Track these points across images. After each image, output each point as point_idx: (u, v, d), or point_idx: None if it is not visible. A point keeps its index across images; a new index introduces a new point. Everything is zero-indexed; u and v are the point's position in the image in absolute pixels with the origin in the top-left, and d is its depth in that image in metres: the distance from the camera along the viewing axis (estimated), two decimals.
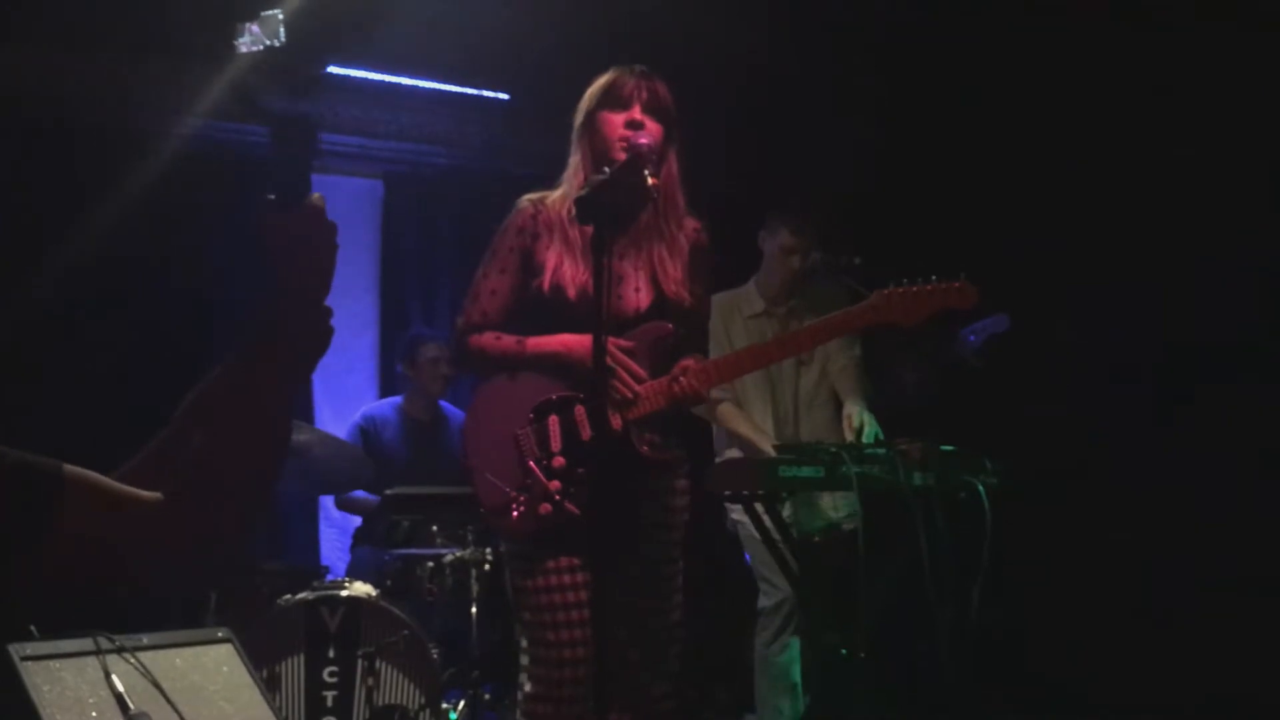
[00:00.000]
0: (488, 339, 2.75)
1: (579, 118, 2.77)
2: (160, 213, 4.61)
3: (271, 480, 1.36)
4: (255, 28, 1.40)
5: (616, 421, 2.62)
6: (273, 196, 1.36)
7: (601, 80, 2.76)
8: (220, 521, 1.33)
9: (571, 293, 2.67)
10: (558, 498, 2.59)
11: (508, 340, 2.73)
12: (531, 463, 2.64)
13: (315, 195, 1.35)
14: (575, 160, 2.76)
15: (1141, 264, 4.41)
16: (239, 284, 4.98)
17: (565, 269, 2.68)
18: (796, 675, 4.07)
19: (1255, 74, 4.14)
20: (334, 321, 1.38)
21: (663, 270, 2.72)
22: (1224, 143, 4.24)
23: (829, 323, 2.87)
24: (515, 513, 2.63)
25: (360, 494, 4.76)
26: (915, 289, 2.79)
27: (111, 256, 4.53)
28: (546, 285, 2.68)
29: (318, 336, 1.36)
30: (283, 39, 1.41)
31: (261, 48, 1.42)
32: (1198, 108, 4.32)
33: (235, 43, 1.39)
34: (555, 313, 2.69)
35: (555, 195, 2.78)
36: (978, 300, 2.82)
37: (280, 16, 1.39)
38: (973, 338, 4.18)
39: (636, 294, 2.71)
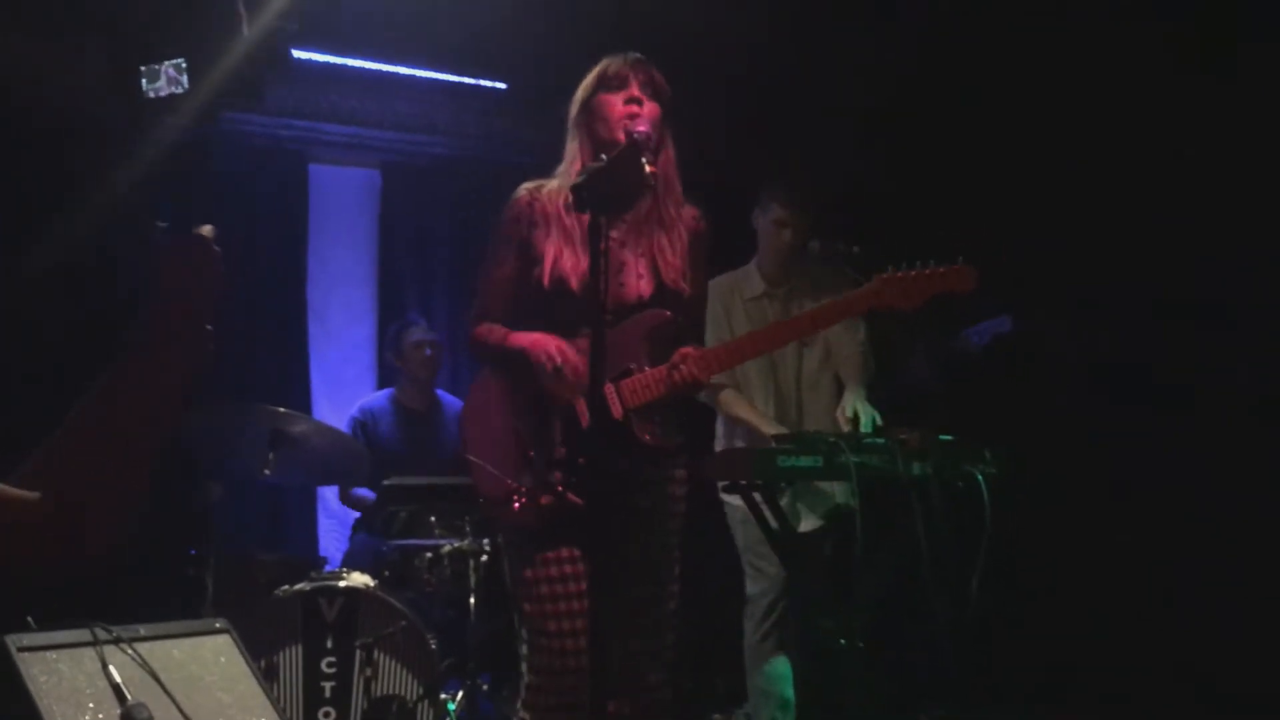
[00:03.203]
0: (483, 330, 2.78)
1: (575, 107, 2.75)
2: (150, 202, 4.58)
3: (140, 488, 1.44)
4: (171, 70, 1.52)
5: (617, 410, 2.62)
6: (164, 224, 1.47)
7: (596, 69, 2.75)
8: (86, 522, 1.40)
9: (574, 283, 2.65)
10: (559, 488, 2.58)
11: (496, 333, 2.75)
12: (532, 453, 2.63)
13: (205, 227, 1.50)
14: (573, 147, 2.75)
15: (1142, 263, 4.41)
16: (229, 272, 4.95)
17: (565, 260, 2.67)
18: (789, 680, 4.07)
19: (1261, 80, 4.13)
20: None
21: (663, 258, 2.72)
22: (1226, 142, 4.23)
23: (830, 307, 2.86)
24: (516, 504, 2.62)
25: (364, 492, 4.76)
26: (915, 273, 2.81)
27: (99, 247, 4.49)
28: (547, 278, 2.67)
29: (196, 357, 1.45)
30: (187, 86, 1.55)
31: (166, 94, 1.55)
32: (1200, 107, 4.30)
33: (145, 86, 1.52)
34: (558, 304, 2.68)
35: (552, 185, 2.77)
36: (977, 283, 2.82)
37: (184, 65, 1.50)
38: (976, 339, 4.18)
39: (639, 281, 2.70)
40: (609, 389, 2.61)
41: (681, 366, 2.62)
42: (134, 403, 1.42)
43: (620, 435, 2.61)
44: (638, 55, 2.73)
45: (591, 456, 2.52)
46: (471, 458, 2.73)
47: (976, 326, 4.23)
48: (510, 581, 2.76)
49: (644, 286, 2.70)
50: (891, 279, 2.81)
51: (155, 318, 1.44)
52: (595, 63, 2.78)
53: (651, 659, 2.68)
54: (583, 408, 2.63)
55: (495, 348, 2.74)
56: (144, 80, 1.55)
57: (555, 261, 2.67)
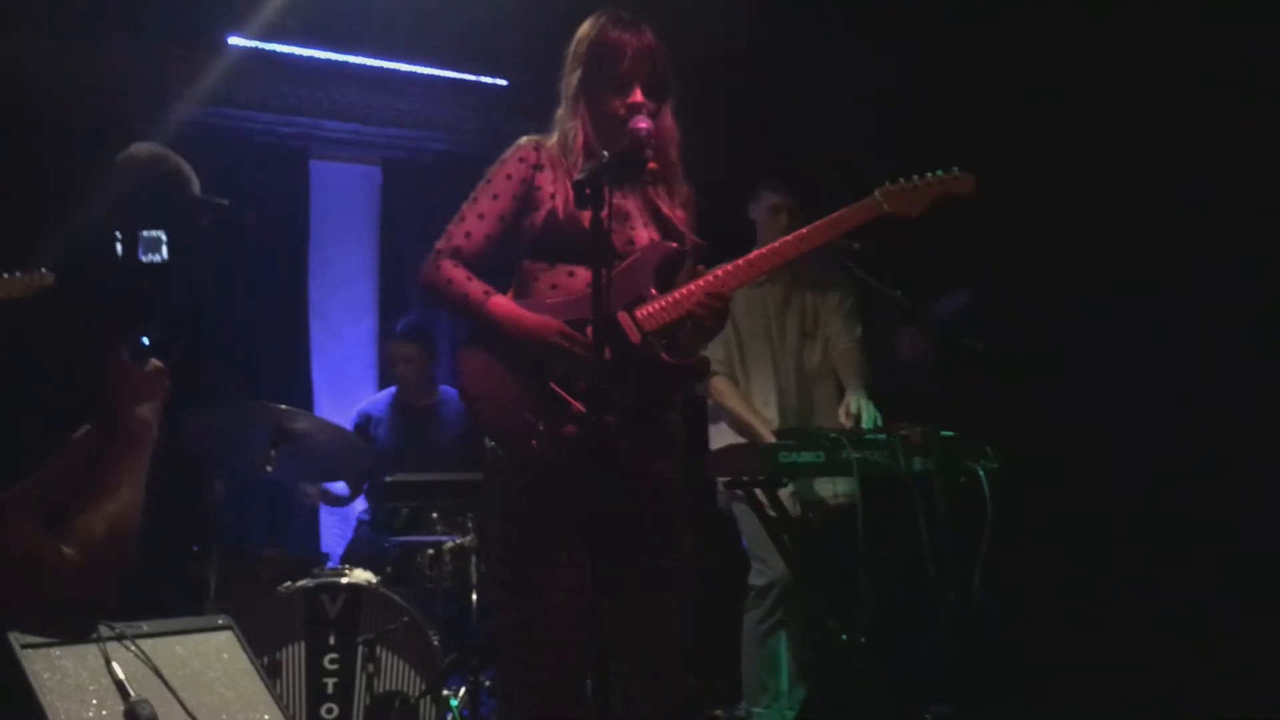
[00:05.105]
0: (459, 275, 2.65)
1: (574, 75, 2.71)
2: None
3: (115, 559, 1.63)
4: (161, 235, 1.77)
5: (635, 335, 2.56)
6: (124, 349, 1.78)
7: (597, 36, 2.70)
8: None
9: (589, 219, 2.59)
10: (584, 412, 2.46)
11: (476, 286, 2.63)
12: (554, 385, 2.53)
13: (155, 361, 1.80)
14: (574, 125, 2.71)
15: (1143, 262, 4.40)
16: (229, 274, 4.97)
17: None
18: (784, 671, 4.07)
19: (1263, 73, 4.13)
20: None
21: (668, 207, 2.71)
22: (1227, 142, 4.22)
23: (840, 216, 2.77)
24: (535, 441, 2.53)
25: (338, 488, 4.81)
26: (916, 181, 2.79)
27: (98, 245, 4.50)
28: (561, 210, 2.62)
29: (144, 458, 1.75)
30: (165, 256, 1.86)
31: (143, 262, 1.81)
32: (1201, 107, 4.30)
33: (141, 253, 1.78)
34: (571, 236, 2.61)
35: (553, 138, 2.75)
36: (975, 187, 2.81)
37: (163, 237, 1.77)
38: (946, 305, 4.22)
39: (646, 229, 2.69)
40: (623, 317, 2.56)
41: (702, 280, 2.59)
42: (77, 485, 1.63)
43: (642, 359, 2.55)
44: (633, 19, 2.68)
45: (614, 386, 2.38)
46: (476, 396, 2.61)
47: (942, 300, 4.28)
48: (491, 582, 2.67)
49: (652, 233, 2.69)
50: (894, 189, 2.78)
51: (105, 425, 1.72)
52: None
53: (665, 633, 2.58)
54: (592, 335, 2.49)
55: (466, 301, 2.62)
56: (141, 247, 1.81)
57: (569, 195, 2.59)
